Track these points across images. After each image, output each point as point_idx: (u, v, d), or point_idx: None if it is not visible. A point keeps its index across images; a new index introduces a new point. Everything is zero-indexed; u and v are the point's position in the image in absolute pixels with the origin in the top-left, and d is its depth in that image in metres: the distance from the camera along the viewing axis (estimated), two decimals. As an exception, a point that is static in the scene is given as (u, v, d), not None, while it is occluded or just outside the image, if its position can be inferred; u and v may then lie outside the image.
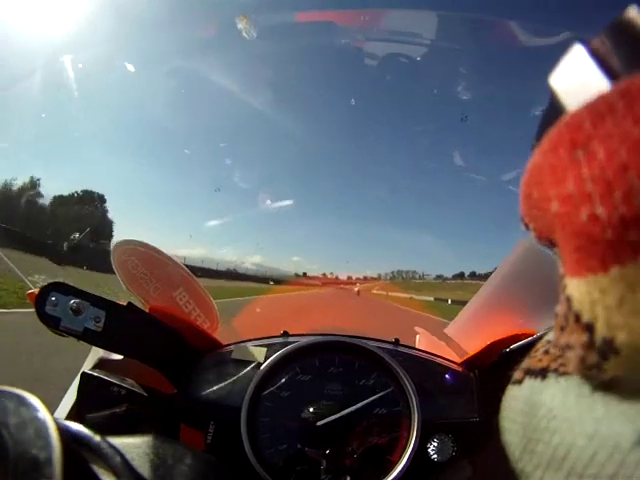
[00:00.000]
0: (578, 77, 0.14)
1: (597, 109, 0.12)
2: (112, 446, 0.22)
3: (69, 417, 0.51)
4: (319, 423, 0.48)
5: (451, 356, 0.58)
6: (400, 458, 0.46)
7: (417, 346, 0.64)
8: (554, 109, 0.15)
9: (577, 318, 0.13)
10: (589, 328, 0.13)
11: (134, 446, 0.24)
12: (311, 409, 0.49)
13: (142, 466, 0.23)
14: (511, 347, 0.46)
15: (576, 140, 0.13)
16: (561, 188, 0.13)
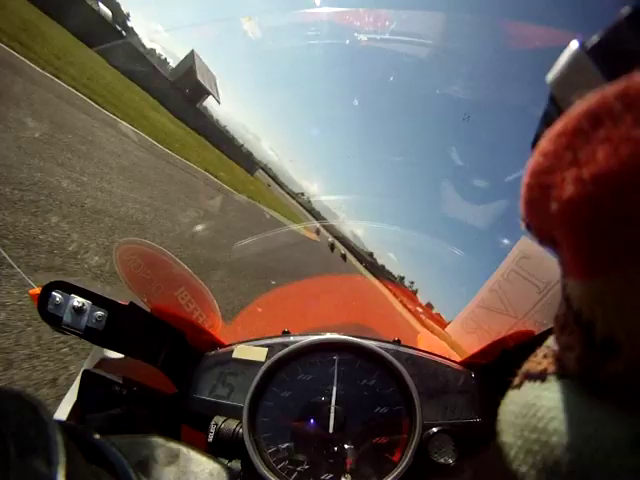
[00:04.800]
0: (576, 77, 0.14)
1: (595, 110, 0.12)
2: (113, 446, 0.22)
3: (70, 416, 0.51)
4: (320, 423, 0.48)
5: (452, 356, 0.58)
6: (401, 458, 0.46)
7: (418, 346, 0.64)
8: (553, 110, 0.15)
9: (577, 318, 0.13)
10: (589, 328, 0.13)
11: (134, 446, 0.24)
12: (312, 409, 0.49)
13: (142, 466, 0.23)
14: (511, 347, 0.47)
15: (575, 141, 0.13)
16: (560, 189, 0.13)
